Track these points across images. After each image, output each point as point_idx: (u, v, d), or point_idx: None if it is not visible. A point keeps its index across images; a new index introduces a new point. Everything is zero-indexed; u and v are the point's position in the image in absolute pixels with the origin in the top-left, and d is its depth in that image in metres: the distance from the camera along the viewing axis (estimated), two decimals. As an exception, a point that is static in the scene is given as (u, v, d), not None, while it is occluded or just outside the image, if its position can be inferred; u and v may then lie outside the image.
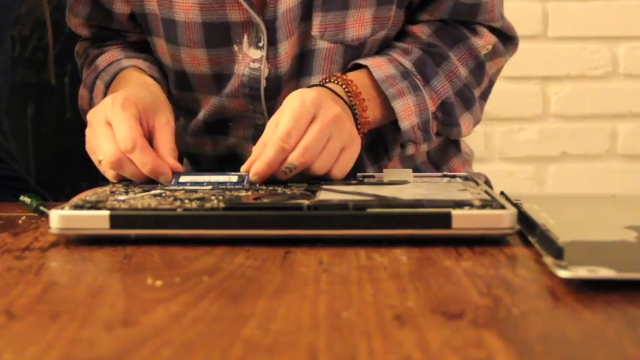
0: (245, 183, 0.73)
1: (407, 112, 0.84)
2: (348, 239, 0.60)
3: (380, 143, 0.94)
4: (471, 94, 0.90)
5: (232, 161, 0.96)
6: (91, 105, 0.92)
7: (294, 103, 0.73)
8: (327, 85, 0.82)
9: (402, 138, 0.85)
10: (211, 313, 0.44)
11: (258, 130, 0.90)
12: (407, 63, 0.86)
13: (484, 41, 0.91)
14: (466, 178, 0.78)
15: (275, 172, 0.72)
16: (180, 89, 0.93)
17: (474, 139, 1.61)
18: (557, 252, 0.50)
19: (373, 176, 0.80)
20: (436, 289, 0.48)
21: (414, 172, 0.82)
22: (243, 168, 0.74)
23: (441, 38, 0.89)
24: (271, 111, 0.88)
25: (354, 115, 0.81)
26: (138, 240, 0.60)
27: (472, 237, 0.59)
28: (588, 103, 1.66)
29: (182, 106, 0.95)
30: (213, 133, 0.95)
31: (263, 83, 0.87)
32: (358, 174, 0.80)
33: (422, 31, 0.90)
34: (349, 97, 0.81)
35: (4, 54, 1.08)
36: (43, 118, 1.36)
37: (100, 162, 0.75)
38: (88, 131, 0.79)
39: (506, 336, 0.40)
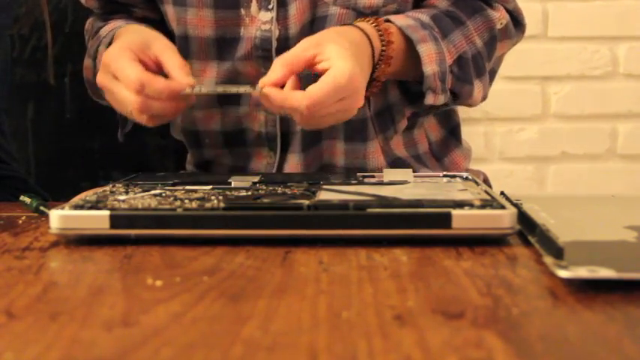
0: (258, 87, 0.74)
1: (430, 58, 0.84)
2: (348, 239, 0.60)
3: (387, 112, 0.94)
4: (483, 65, 0.91)
5: (237, 138, 0.97)
6: (95, 73, 0.93)
7: (341, 76, 0.72)
8: (369, 32, 0.81)
9: (424, 84, 0.85)
10: (211, 313, 0.44)
11: None
12: (424, 17, 0.87)
13: (500, 15, 0.93)
14: (466, 178, 0.78)
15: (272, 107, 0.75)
16: None
17: (474, 139, 1.61)
18: (557, 252, 0.50)
19: (373, 176, 0.80)
20: (436, 289, 0.48)
21: (416, 165, 0.81)
22: (261, 81, 0.74)
23: (459, 8, 0.91)
24: None
25: (375, 66, 0.82)
26: (138, 240, 0.60)
27: (472, 237, 0.59)
28: (588, 103, 1.66)
29: None
30: (223, 105, 0.96)
31: (274, 44, 0.88)
32: (358, 174, 0.80)
33: (440, 2, 0.91)
34: (381, 51, 0.82)
35: (2, 54, 1.08)
36: (43, 118, 1.36)
37: (131, 113, 0.77)
38: (106, 96, 0.81)
39: (506, 336, 0.40)
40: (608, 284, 0.47)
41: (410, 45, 0.84)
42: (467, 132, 1.09)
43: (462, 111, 1.07)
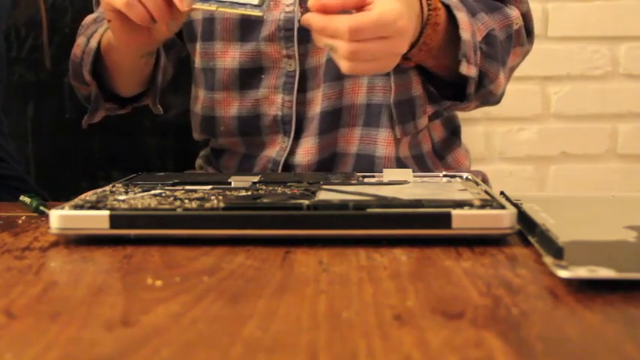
0: (264, 6, 0.73)
1: (465, 25, 0.84)
2: (348, 239, 0.60)
3: (408, 104, 0.94)
4: (504, 57, 0.91)
5: (251, 124, 0.97)
6: (84, 51, 0.94)
7: (388, 12, 0.71)
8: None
9: (460, 50, 0.84)
10: (211, 313, 0.44)
11: (289, 77, 0.94)
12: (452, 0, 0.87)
13: (516, 14, 0.93)
14: (466, 179, 0.78)
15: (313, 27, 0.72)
16: (203, 40, 0.97)
17: (474, 139, 1.61)
18: (557, 252, 0.50)
19: (373, 176, 0.80)
20: (436, 289, 0.48)
21: (415, 167, 0.81)
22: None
23: (479, 2, 0.91)
24: (303, 56, 0.93)
25: (422, 29, 0.81)
26: (138, 240, 0.60)
27: (472, 237, 0.59)
28: (588, 103, 1.66)
29: (202, 66, 0.98)
30: (243, 88, 0.97)
31: (296, 24, 0.91)
32: (358, 174, 0.80)
33: None
34: (428, 14, 0.81)
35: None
36: (42, 118, 1.36)
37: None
38: None
39: (506, 336, 0.40)
40: (608, 284, 0.47)
41: (448, 27, 0.84)
42: (467, 132, 1.09)
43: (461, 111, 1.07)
